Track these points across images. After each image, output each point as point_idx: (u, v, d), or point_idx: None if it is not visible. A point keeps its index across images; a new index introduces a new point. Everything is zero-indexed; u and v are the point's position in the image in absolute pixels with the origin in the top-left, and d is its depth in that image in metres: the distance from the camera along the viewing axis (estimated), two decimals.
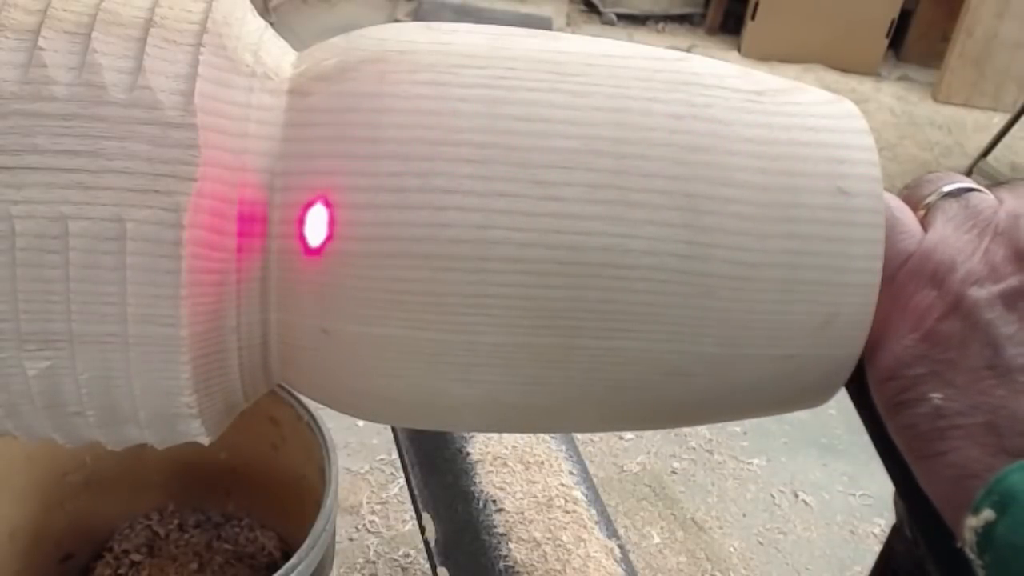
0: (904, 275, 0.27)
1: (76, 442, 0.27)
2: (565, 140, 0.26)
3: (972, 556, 0.23)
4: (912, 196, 0.29)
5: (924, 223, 0.28)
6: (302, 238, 0.25)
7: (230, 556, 1.00)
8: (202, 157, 0.24)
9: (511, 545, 0.56)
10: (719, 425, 1.53)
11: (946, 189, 0.28)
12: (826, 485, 1.49)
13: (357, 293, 0.25)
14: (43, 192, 0.23)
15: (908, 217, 0.28)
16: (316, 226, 0.25)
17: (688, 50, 1.67)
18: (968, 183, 0.28)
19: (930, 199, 0.28)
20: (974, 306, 0.25)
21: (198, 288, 0.24)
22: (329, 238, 0.25)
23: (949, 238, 0.26)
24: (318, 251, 0.25)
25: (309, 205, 0.25)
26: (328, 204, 0.25)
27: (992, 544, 0.22)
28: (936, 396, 0.24)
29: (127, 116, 0.24)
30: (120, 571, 0.98)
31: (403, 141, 0.25)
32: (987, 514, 0.22)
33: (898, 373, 0.26)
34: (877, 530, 1.41)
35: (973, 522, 0.23)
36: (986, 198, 0.27)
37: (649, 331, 0.26)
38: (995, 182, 0.28)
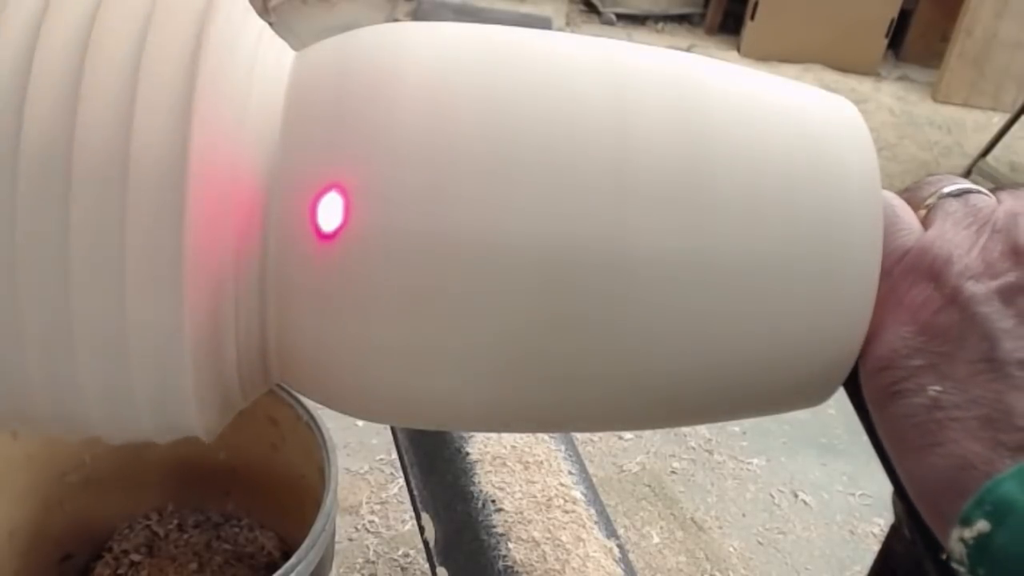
0: (901, 270, 0.27)
1: (75, 436, 0.27)
2: (563, 138, 0.26)
3: (962, 569, 0.22)
4: (913, 197, 0.29)
5: (925, 223, 0.28)
6: (307, 232, 0.25)
7: (230, 556, 1.00)
8: (199, 154, 0.24)
9: (510, 545, 0.56)
10: (719, 425, 1.53)
11: (946, 190, 0.28)
12: (826, 485, 1.49)
13: (354, 292, 0.25)
14: None
15: (908, 215, 0.28)
16: (327, 215, 0.25)
17: (688, 50, 1.67)
18: (968, 184, 0.28)
19: (931, 200, 0.28)
20: (971, 300, 0.25)
21: (197, 284, 0.24)
22: (343, 226, 0.25)
23: (947, 234, 0.26)
24: (330, 237, 0.25)
25: (310, 201, 0.25)
26: (343, 193, 0.25)
27: (988, 556, 0.21)
28: (935, 388, 0.24)
29: None
30: (119, 571, 0.98)
31: (401, 140, 0.25)
32: (981, 525, 0.22)
33: (894, 363, 0.26)
34: (876, 530, 1.41)
35: (965, 534, 0.22)
36: (986, 198, 0.28)
37: (648, 328, 0.26)
38: (996, 183, 0.29)
